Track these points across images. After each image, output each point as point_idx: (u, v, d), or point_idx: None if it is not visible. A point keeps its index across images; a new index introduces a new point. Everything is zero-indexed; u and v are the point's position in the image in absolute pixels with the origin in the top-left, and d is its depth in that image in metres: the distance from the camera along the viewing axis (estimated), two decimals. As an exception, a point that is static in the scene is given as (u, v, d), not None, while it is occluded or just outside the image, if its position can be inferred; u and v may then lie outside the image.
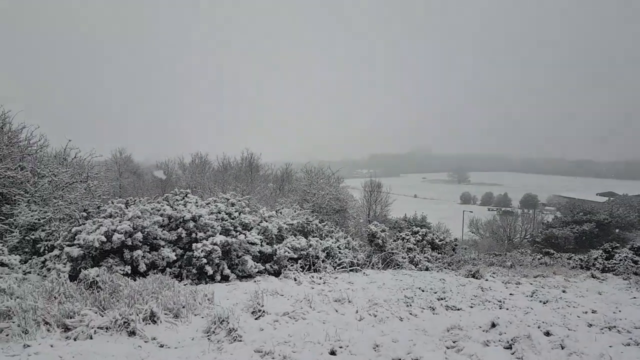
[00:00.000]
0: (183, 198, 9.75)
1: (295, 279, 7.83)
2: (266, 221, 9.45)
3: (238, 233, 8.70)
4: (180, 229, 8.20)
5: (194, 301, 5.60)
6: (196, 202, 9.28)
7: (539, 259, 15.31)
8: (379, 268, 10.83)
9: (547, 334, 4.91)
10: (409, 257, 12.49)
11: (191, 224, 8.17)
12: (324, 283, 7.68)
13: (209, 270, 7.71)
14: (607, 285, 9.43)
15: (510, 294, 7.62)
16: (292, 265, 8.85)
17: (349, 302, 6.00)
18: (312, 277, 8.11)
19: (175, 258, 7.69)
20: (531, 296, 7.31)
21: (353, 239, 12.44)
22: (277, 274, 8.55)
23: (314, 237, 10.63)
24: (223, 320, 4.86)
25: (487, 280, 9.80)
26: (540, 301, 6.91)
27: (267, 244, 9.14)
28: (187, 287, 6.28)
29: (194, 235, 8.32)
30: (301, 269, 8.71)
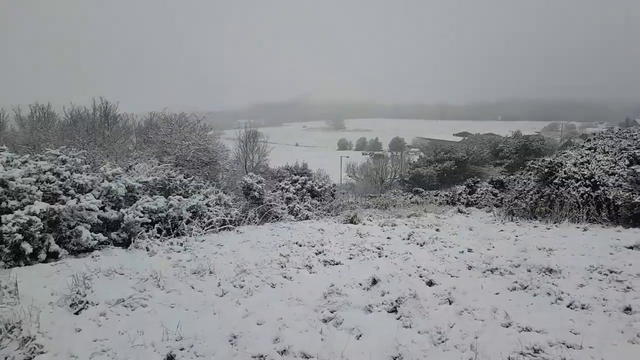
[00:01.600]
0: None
1: (147, 249, 6.39)
2: (109, 180, 7.60)
3: (70, 197, 6.80)
4: (-20, 198, 5.99)
5: (-21, 301, 3.89)
6: (7, 161, 6.94)
7: (410, 198, 16.11)
8: (255, 223, 9.92)
9: (430, 283, 4.55)
10: (289, 207, 11.83)
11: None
12: (184, 250, 6.41)
13: (28, 248, 5.81)
14: (474, 219, 9.98)
15: (388, 238, 7.38)
16: (147, 231, 7.33)
17: (211, 273, 4.88)
18: (172, 243, 6.76)
19: (-26, 237, 5.59)
20: (408, 239, 7.13)
21: (227, 194, 11.20)
22: (127, 243, 6.98)
23: (178, 194, 9.13)
24: (14, 327, 3.35)
25: (364, 224, 9.64)
26: (417, 244, 6.74)
27: (113, 207, 7.41)
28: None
29: (4, 204, 6.21)
30: (160, 235, 7.26)
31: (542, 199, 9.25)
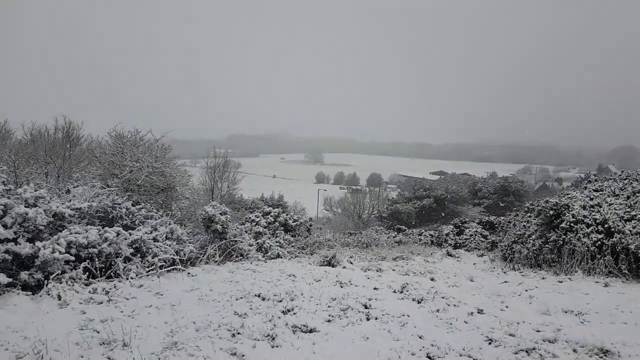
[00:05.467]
0: None
1: (59, 298, 4.82)
2: (28, 205, 6.05)
3: (-36, 226, 5.23)
4: None
5: None
6: None
7: (394, 237, 14.86)
8: (215, 262, 8.40)
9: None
10: (257, 243, 10.34)
11: None
12: (108, 301, 4.86)
13: None
14: (467, 265, 8.78)
15: (375, 289, 6.00)
16: (73, 271, 5.75)
17: (125, 345, 3.38)
18: (95, 290, 5.19)
19: None
20: (401, 292, 5.76)
21: (184, 226, 9.68)
22: (42, 286, 5.37)
23: (123, 225, 7.63)
24: None
25: (344, 267, 8.27)
26: (414, 300, 5.36)
27: (30, 240, 5.84)
28: None
29: None
30: (84, 277, 5.68)
31: (547, 246, 8.13)
